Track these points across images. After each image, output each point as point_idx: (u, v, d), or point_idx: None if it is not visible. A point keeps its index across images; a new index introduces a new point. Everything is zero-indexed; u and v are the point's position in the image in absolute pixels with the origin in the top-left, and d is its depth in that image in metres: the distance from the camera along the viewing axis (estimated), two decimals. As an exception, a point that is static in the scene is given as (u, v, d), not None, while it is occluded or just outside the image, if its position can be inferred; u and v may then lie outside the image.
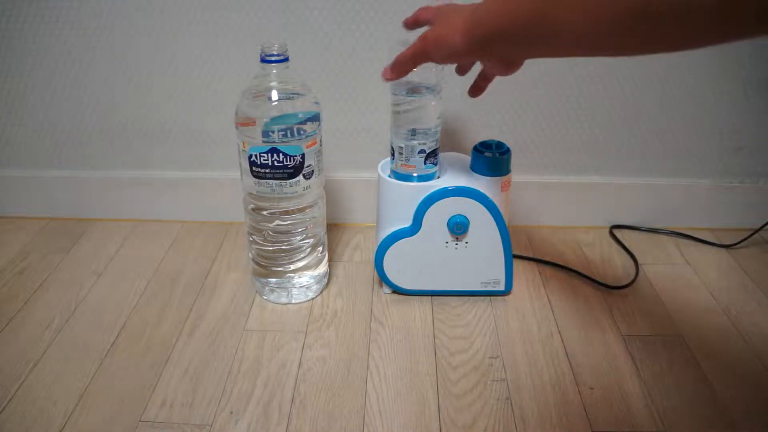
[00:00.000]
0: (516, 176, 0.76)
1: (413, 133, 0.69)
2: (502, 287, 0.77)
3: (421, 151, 0.70)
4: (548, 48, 0.46)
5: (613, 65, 0.84)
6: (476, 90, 0.68)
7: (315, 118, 0.69)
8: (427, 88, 0.68)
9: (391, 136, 0.71)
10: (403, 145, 0.70)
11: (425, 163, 0.71)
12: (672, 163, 0.91)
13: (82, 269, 0.84)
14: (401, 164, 0.71)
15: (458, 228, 0.72)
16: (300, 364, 0.67)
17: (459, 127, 0.89)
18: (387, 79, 0.61)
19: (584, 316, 0.75)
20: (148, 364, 0.67)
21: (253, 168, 0.69)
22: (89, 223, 0.96)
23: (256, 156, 0.68)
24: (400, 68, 0.59)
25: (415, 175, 0.71)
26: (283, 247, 0.74)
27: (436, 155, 0.72)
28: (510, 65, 0.58)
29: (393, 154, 0.72)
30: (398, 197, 0.73)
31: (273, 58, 0.66)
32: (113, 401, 0.62)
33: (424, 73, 0.66)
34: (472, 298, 0.78)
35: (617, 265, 0.86)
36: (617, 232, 0.93)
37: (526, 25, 0.44)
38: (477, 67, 0.66)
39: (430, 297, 0.78)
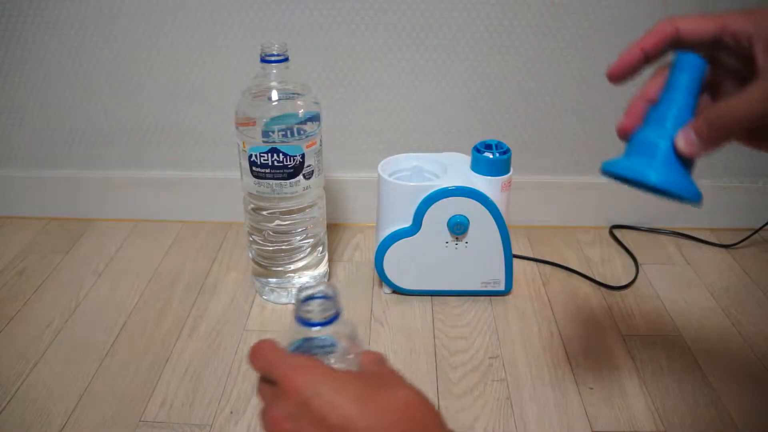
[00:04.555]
0: (516, 176, 0.76)
1: None
2: (502, 287, 0.77)
3: None
4: None
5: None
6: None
7: (315, 118, 0.69)
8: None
9: None
10: None
11: None
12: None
13: (82, 269, 0.84)
14: None
15: (458, 228, 0.72)
16: (300, 364, 0.67)
17: (459, 127, 0.89)
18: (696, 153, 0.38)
19: (584, 316, 0.75)
20: (148, 364, 0.67)
21: (253, 168, 0.69)
22: (89, 223, 0.96)
23: (256, 156, 0.68)
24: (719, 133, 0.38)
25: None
26: (283, 247, 0.74)
27: None
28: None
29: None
30: (398, 197, 0.73)
31: (273, 58, 0.66)
32: (113, 401, 0.62)
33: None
34: (472, 298, 0.78)
35: (617, 265, 0.86)
36: (617, 232, 0.93)
37: None
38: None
39: (430, 297, 0.78)
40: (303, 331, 0.41)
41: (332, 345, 0.42)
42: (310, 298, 0.42)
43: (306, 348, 0.42)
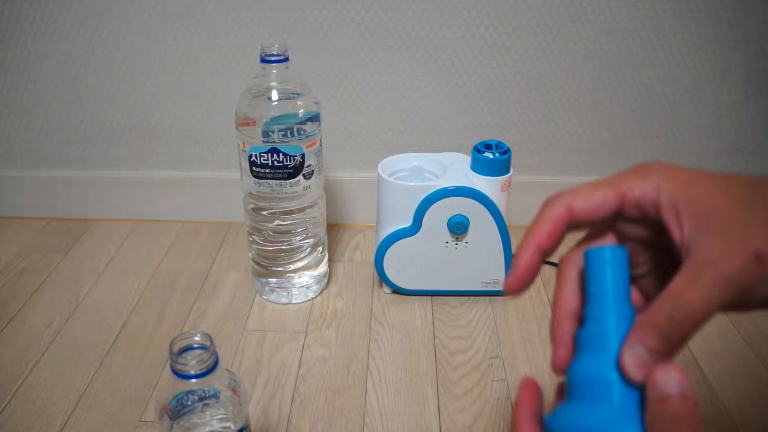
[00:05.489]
0: (516, 176, 0.76)
1: None
2: (502, 287, 0.77)
3: None
4: None
5: (613, 66, 0.84)
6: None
7: (315, 118, 0.69)
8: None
9: None
10: None
11: None
12: (672, 162, 0.90)
13: (82, 269, 0.84)
14: None
15: (458, 228, 0.72)
16: (300, 364, 0.67)
17: (459, 127, 0.89)
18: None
19: (584, 316, 0.75)
20: (148, 364, 0.67)
21: (253, 168, 0.69)
22: (89, 223, 0.96)
23: (256, 156, 0.68)
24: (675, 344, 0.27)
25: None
26: (283, 247, 0.74)
27: None
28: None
29: None
30: (398, 197, 0.73)
31: (273, 58, 0.66)
32: (113, 401, 0.62)
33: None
34: (472, 298, 0.78)
35: (617, 265, 0.85)
36: (617, 232, 0.93)
37: None
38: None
39: (430, 297, 0.78)
40: (182, 384, 0.39)
41: (215, 395, 0.41)
42: (185, 349, 0.40)
43: (188, 400, 0.40)
